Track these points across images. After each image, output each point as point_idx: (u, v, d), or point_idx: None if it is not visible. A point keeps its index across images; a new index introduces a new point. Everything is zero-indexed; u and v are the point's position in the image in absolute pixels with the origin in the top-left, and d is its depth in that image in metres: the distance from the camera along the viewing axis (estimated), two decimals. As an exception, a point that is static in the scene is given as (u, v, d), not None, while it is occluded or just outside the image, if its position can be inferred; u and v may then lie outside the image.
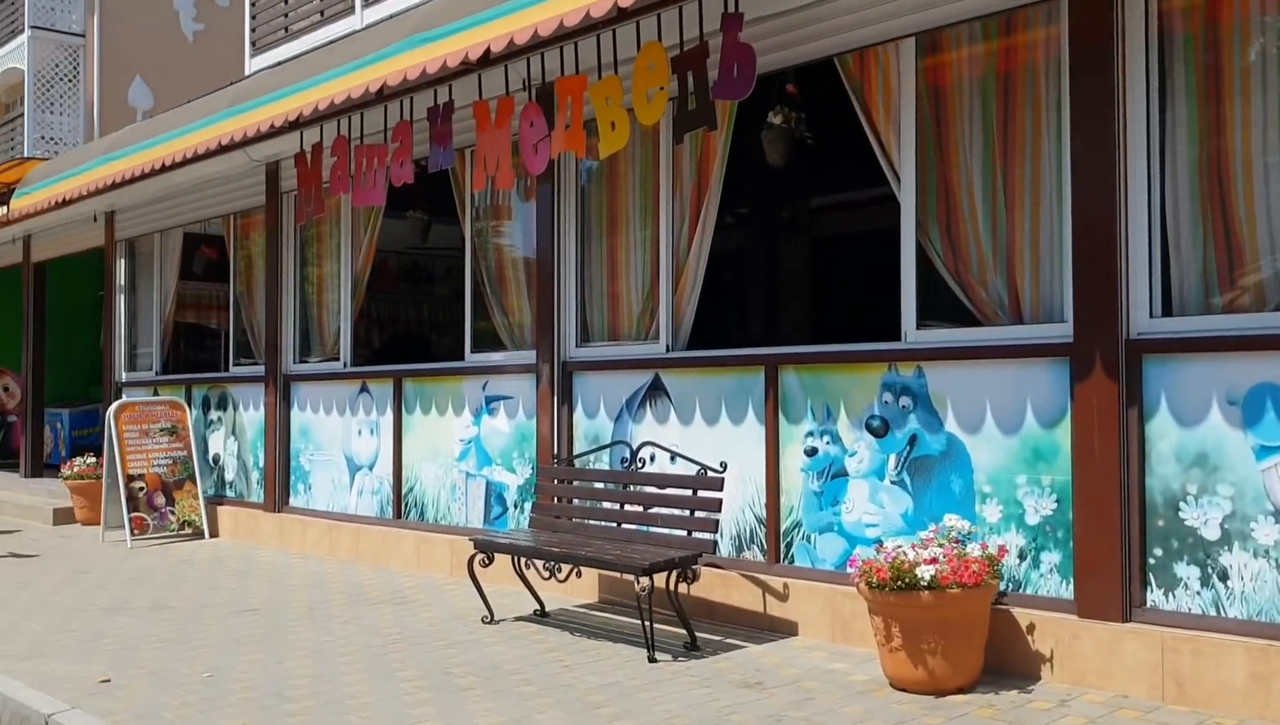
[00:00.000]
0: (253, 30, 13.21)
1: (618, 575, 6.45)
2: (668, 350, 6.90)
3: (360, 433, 9.27)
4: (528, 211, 7.99)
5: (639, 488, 6.44)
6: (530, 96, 7.24)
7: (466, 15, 6.83)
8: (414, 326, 14.91)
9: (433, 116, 7.56)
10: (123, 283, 12.56)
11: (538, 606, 6.71)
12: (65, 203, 11.76)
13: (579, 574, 6.28)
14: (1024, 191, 5.46)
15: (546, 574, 6.24)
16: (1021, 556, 5.29)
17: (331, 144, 8.38)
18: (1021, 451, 5.31)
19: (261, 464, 10.28)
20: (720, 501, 5.88)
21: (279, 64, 10.48)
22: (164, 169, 9.96)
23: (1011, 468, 5.35)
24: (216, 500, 10.78)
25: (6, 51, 26.39)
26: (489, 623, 6.52)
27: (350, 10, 11.50)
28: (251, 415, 10.50)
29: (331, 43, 9.67)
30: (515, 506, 7.84)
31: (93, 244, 13.11)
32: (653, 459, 6.61)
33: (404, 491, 8.82)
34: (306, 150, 8.69)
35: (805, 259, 9.67)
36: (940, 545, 5.05)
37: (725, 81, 5.76)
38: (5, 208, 13.73)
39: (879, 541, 5.75)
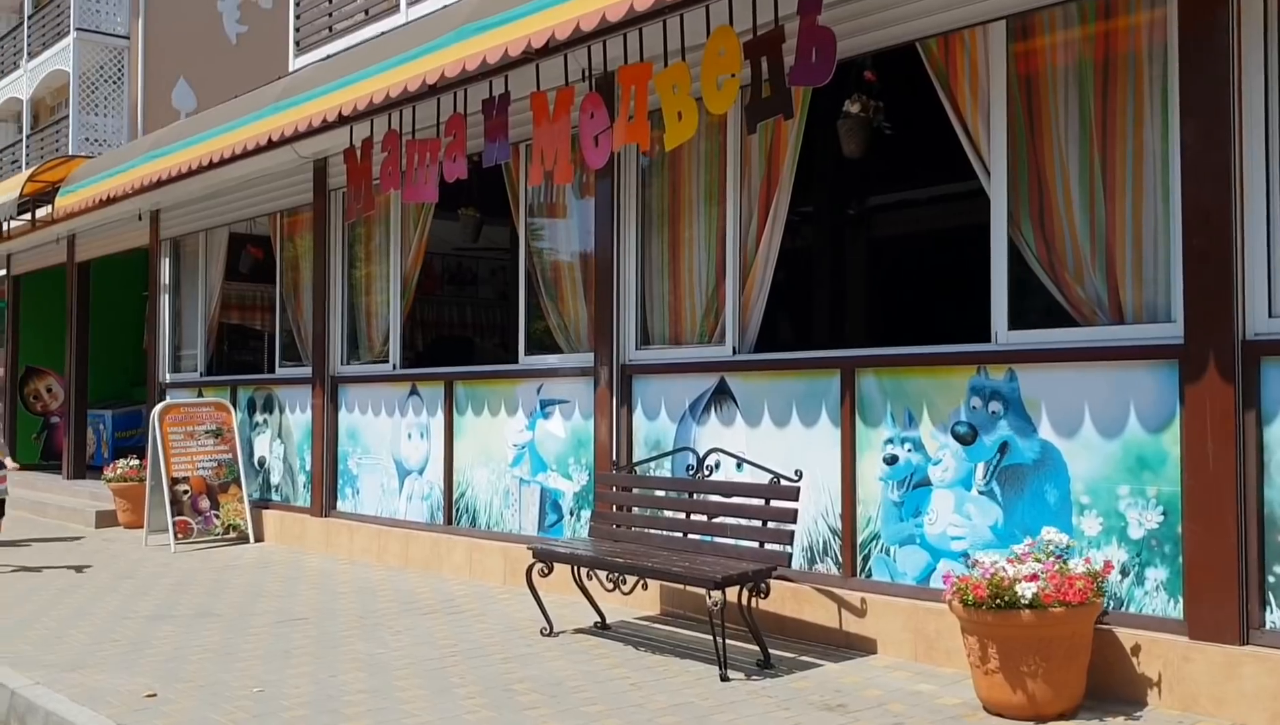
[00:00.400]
0: (297, 30, 13.06)
1: (682, 587, 6.15)
2: (734, 352, 6.59)
3: (410, 436, 9.01)
4: (584, 208, 7.71)
5: (706, 496, 6.12)
6: (590, 87, 6.97)
7: (522, 3, 6.57)
8: (464, 327, 14.70)
9: (488, 109, 7.31)
10: (167, 282, 12.39)
11: (598, 618, 6.41)
12: (109, 201, 11.60)
13: (645, 586, 5.98)
14: (1125, 183, 5.11)
15: (610, 586, 5.94)
16: (1124, 572, 4.94)
17: (382, 139, 8.14)
18: (1124, 460, 4.96)
19: (308, 467, 10.05)
20: (795, 512, 5.56)
21: (326, 59, 10.26)
22: (209, 166, 9.77)
23: (1112, 477, 4.99)
24: (262, 504, 10.57)
25: (52, 54, 26.48)
26: (548, 635, 6.23)
27: (395, 9, 11.29)
28: (298, 417, 10.28)
29: (379, 37, 9.44)
30: (571, 514, 7.55)
31: (137, 243, 12.97)
32: (717, 467, 6.29)
33: (455, 497, 8.55)
34: (356, 145, 8.45)
35: (881, 256, 9.27)
36: (1038, 560, 4.71)
37: (803, 67, 5.45)
38: (50, 207, 13.63)
39: (965, 555, 5.43)
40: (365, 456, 9.51)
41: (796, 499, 5.57)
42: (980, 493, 5.44)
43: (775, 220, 6.47)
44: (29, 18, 27.19)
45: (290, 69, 12.10)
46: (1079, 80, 5.26)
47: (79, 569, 8.84)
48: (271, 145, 9.12)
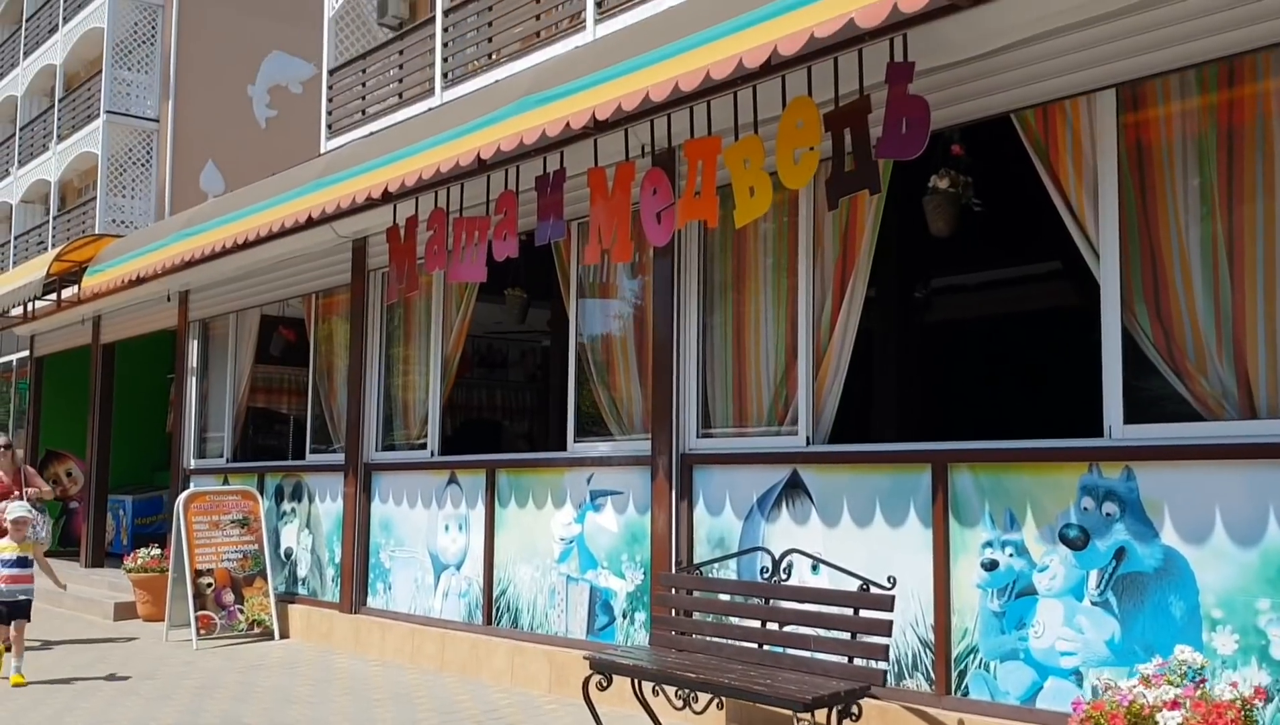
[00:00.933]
0: (329, 113, 12.92)
1: (754, 704, 5.61)
2: (808, 443, 6.11)
3: (448, 528, 8.52)
4: (640, 286, 7.31)
5: (782, 603, 5.60)
6: (651, 161, 6.63)
7: (580, 77, 6.24)
8: (493, 411, 14.27)
9: (542, 186, 6.96)
10: (194, 365, 12.01)
11: (660, 735, 5.87)
12: (138, 281, 11.29)
13: (720, 705, 5.42)
14: (1254, 264, 4.67)
15: (680, 704, 5.39)
16: (1269, 698, 4.39)
17: (428, 217, 7.80)
18: (1262, 570, 4.44)
19: (338, 560, 9.55)
20: (890, 624, 5.05)
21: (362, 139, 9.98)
22: (244, 245, 9.45)
23: (1249, 589, 4.47)
24: (288, 598, 10.05)
25: (81, 136, 26.55)
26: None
27: (430, 92, 11.10)
28: (328, 506, 9.80)
29: (412, 120, 9.16)
30: (624, 616, 7.02)
31: (164, 325, 12.63)
32: (790, 569, 5.77)
33: (495, 594, 8.03)
34: (400, 224, 8.11)
35: (967, 340, 8.75)
36: (1172, 683, 4.18)
37: (891, 138, 5.07)
38: (76, 287, 13.34)
39: (1077, 672, 4.89)
40: (399, 549, 9.02)
41: (891, 609, 5.05)
42: (1093, 603, 4.91)
43: (852, 300, 6.04)
44: (59, 101, 27.33)
45: (322, 151, 11.87)
46: (1199, 151, 4.85)
47: (118, 679, 8.26)
48: (311, 224, 8.79)
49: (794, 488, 6.13)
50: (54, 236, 26.63)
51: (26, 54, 29.24)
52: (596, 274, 7.68)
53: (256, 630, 9.72)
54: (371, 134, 10.02)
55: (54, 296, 13.82)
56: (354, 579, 9.30)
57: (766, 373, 6.49)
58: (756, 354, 6.55)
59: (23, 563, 8.10)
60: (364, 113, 12.28)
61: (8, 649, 8.00)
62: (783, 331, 6.40)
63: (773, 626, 5.59)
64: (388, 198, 7.89)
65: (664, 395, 6.83)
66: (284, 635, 9.77)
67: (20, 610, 8.02)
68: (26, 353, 16.12)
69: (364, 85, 12.46)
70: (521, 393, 15.25)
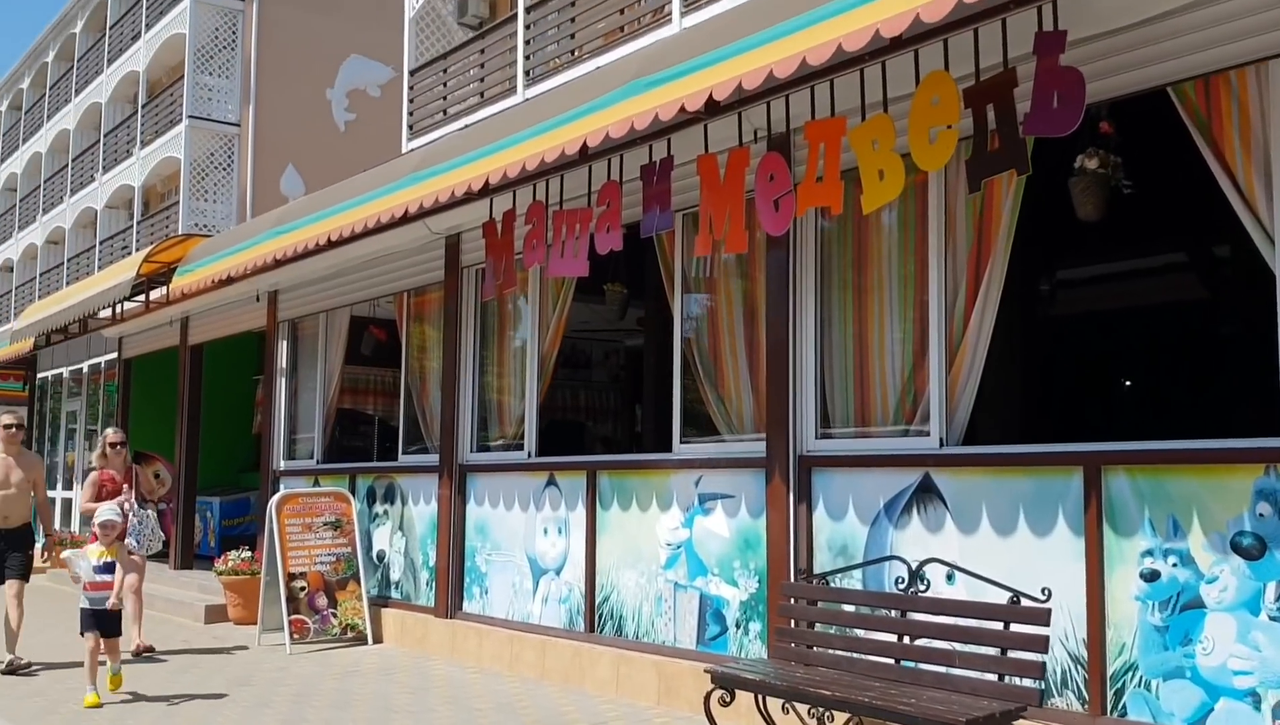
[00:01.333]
0: (410, 114, 12.78)
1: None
2: (941, 444, 5.74)
3: (546, 531, 8.26)
4: (751, 280, 6.98)
5: (920, 616, 5.22)
6: (767, 146, 6.29)
7: (694, 57, 5.93)
8: (576, 412, 14.01)
9: (647, 175, 6.66)
10: (284, 366, 11.90)
11: (786, 754, 5.53)
12: (227, 281, 11.21)
13: (859, 724, 5.06)
14: None
15: (814, 722, 5.04)
16: None
17: (526, 210, 7.54)
18: None
19: (432, 563, 9.34)
20: (1046, 639, 4.65)
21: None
22: (334, 243, 9.30)
23: None
24: (380, 602, 9.86)
25: (164, 141, 26.83)
26: (731, 774, 5.35)
27: (512, 90, 10.88)
28: (422, 509, 9.59)
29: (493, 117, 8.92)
30: (737, 627, 6.69)
31: (252, 325, 12.56)
32: (928, 580, 5.38)
33: (598, 601, 7.75)
34: (497, 218, 7.87)
35: (1119, 334, 8.24)
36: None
37: (1041, 114, 4.69)
38: (165, 288, 13.33)
39: (1254, 694, 4.48)
40: (495, 553, 8.78)
41: (1047, 623, 4.65)
42: (1271, 618, 4.49)
43: (988, 291, 5.65)
44: (143, 106, 27.67)
45: (403, 153, 11.71)
46: (1391, 123, 4.41)
47: (206, 683, 8.14)
48: (404, 220, 8.60)
49: (926, 492, 5.76)
50: (138, 241, 26.94)
51: (110, 61, 29.68)
52: (703, 267, 7.36)
53: (349, 635, 9.54)
54: (465, 127, 9.80)
55: (143, 298, 13.83)
56: (449, 583, 9.08)
57: (892, 369, 6.13)
58: (881, 349, 6.19)
59: (110, 569, 7.52)
60: (445, 113, 12.13)
61: (103, 662, 7.47)
62: (910, 325, 6.03)
63: (909, 641, 5.22)
64: (485, 192, 7.65)
65: (779, 394, 6.49)
66: (377, 640, 9.59)
67: (110, 622, 7.45)
68: (115, 355, 16.21)
69: (445, 85, 12.30)
70: (605, 394, 14.99)
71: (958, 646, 4.97)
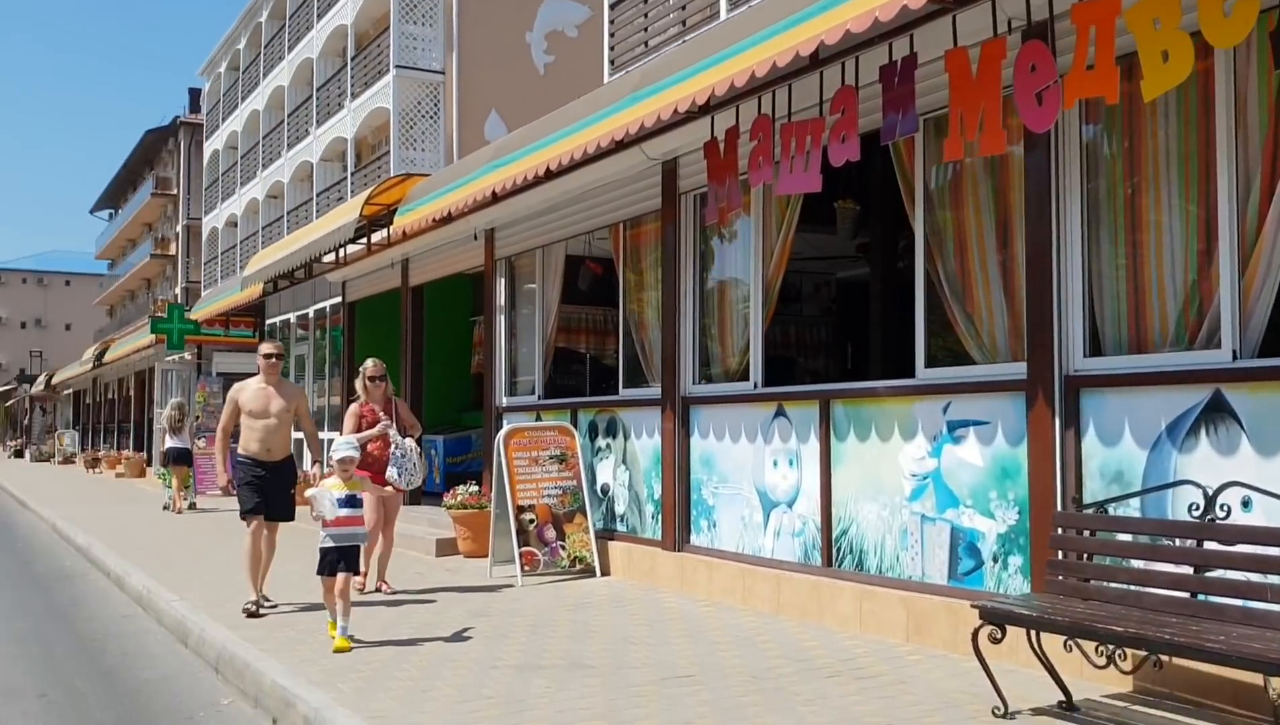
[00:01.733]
0: (611, 49, 12.54)
1: (1189, 663, 4.76)
2: (1234, 357, 5.13)
3: (775, 463, 7.97)
4: (1003, 187, 6.44)
5: (1221, 546, 4.68)
6: (1023, 37, 5.73)
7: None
8: (786, 347, 13.60)
9: (888, 76, 6.20)
10: (502, 303, 11.94)
11: (1062, 696, 5.10)
12: (446, 219, 11.29)
13: (1157, 664, 4.57)
14: None
15: (1103, 661, 4.59)
16: None
17: (750, 126, 7.18)
18: None
19: (657, 496, 9.19)
20: (1386, 571, 4.07)
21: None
22: (551, 174, 9.21)
23: None
24: (606, 534, 9.81)
25: (373, 92, 27.53)
26: (1002, 716, 4.96)
27: (714, 14, 10.47)
28: (644, 442, 9.45)
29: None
30: (994, 560, 6.25)
31: (469, 264, 12.65)
32: (1224, 507, 4.81)
33: (834, 535, 7.42)
34: (719, 137, 7.54)
35: None
36: None
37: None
38: (386, 232, 13.58)
39: None
40: (722, 485, 8.54)
41: (1387, 554, 4.08)
42: None
43: (1291, 185, 4.99)
44: (351, 59, 28.44)
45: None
46: None
47: (443, 615, 8.24)
48: (619, 146, 8.42)
49: (1216, 411, 5.17)
50: (352, 191, 27.83)
51: (319, 16, 30.60)
52: (945, 176, 6.85)
53: (578, 567, 9.52)
54: (684, 42, 9.46)
55: (364, 241, 14.14)
56: (676, 516, 8.91)
57: (1171, 279, 5.53)
58: (1158, 257, 5.59)
59: (352, 502, 7.02)
60: (646, 45, 11.86)
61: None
62: (1194, 228, 5.41)
63: (1206, 573, 4.69)
64: (708, 108, 7.34)
65: (1042, 310, 5.96)
66: (604, 572, 9.54)
67: (350, 559, 6.96)
68: (339, 299, 16.71)
69: (645, 16, 12.01)
70: (816, 328, 14.52)
71: (1273, 578, 4.42)
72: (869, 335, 11.27)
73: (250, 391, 8.46)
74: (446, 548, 11.19)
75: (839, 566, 7.37)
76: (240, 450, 8.40)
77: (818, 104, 6.87)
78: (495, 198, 9.99)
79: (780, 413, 7.98)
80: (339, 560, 6.92)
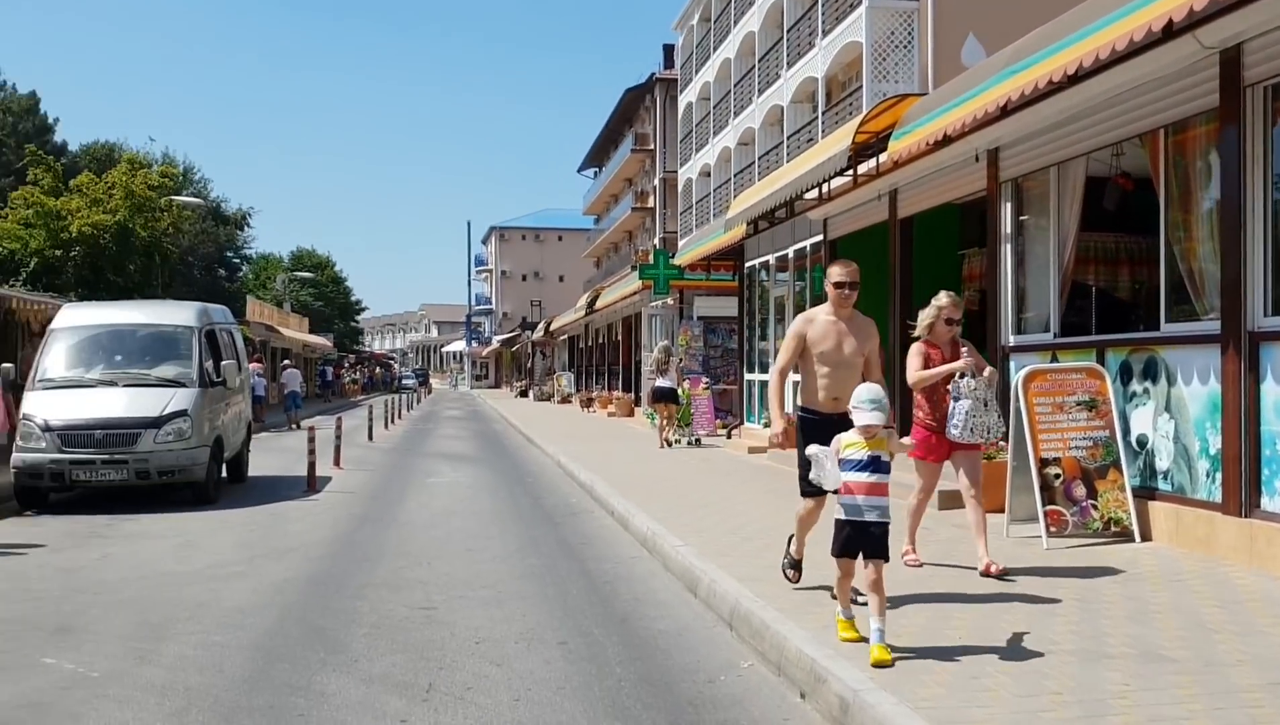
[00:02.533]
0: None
1: None
2: None
3: (1390, 413, 6.34)
4: None
5: None
6: None
7: None
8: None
9: None
10: (1008, 231, 10.77)
11: None
12: (944, 141, 10.29)
13: None
14: None
15: None
16: None
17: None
18: None
19: (1213, 451, 7.76)
20: None
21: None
22: (1073, 79, 7.98)
23: None
24: (1144, 493, 8.49)
25: (844, 28, 26.79)
26: None
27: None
28: (1195, 388, 8.02)
29: None
30: None
31: (966, 191, 11.57)
32: None
33: None
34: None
35: None
36: None
37: None
38: (874, 161, 12.81)
39: None
40: (1307, 439, 7.00)
41: None
42: None
43: None
44: (821, -4, 27.84)
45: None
46: None
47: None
48: (1167, 35, 7.01)
49: None
50: (823, 131, 27.31)
51: (789, -46, 30.24)
52: None
53: (1112, 530, 8.31)
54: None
55: (849, 174, 13.45)
56: (1241, 475, 7.46)
57: None
58: None
59: (877, 466, 5.46)
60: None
61: (855, 599, 5.82)
62: None
63: None
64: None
65: None
66: (1145, 537, 8.26)
67: (873, 542, 5.45)
68: (820, 237, 16.18)
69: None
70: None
71: None
72: None
73: (820, 326, 6.69)
74: (948, 501, 10.31)
75: None
76: (801, 402, 6.79)
77: None
78: (1004, 112, 8.86)
79: (1394, 350, 6.34)
80: (859, 539, 5.49)
